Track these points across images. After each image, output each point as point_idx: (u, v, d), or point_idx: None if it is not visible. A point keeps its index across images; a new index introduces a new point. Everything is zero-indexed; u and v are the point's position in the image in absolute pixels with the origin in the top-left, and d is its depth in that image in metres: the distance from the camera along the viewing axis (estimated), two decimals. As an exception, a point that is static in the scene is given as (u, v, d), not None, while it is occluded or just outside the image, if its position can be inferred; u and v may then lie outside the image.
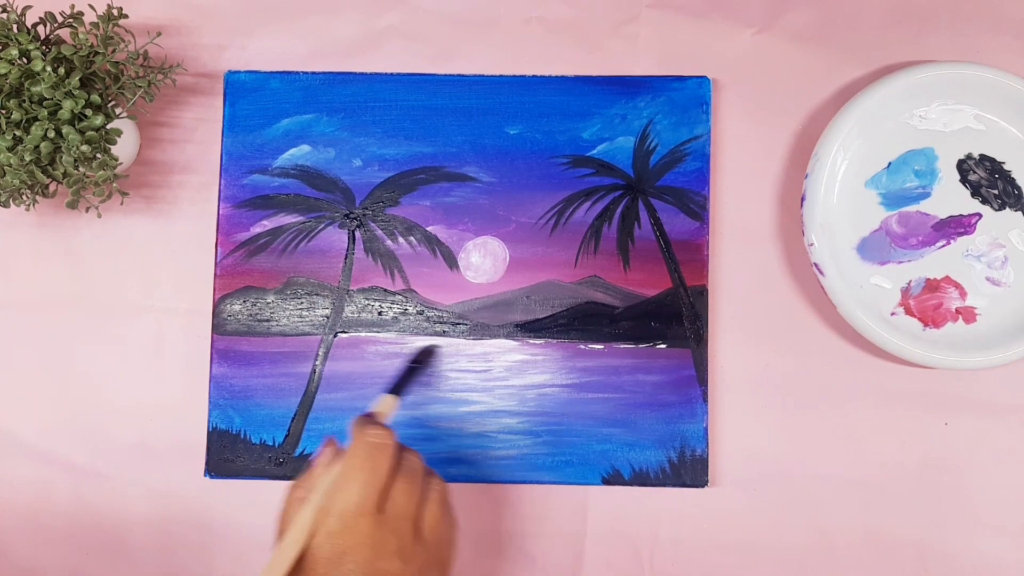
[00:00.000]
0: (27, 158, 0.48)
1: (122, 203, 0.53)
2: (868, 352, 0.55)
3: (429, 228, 0.55)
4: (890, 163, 0.54)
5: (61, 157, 0.49)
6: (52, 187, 0.53)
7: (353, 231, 0.55)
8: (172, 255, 0.55)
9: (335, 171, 0.55)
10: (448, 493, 0.45)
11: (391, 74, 0.56)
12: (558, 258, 0.55)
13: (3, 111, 0.49)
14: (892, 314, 0.54)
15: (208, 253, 0.55)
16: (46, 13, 0.51)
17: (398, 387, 0.50)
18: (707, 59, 0.56)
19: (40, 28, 0.51)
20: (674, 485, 0.54)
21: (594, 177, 0.55)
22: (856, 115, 0.53)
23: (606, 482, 0.53)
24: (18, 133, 0.49)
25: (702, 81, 0.55)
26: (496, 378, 0.54)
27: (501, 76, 0.56)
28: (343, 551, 0.40)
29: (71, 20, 0.51)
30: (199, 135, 0.56)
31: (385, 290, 0.55)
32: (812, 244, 0.52)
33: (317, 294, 0.55)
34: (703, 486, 0.53)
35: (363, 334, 0.55)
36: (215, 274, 0.55)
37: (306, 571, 0.40)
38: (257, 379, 0.54)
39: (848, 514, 0.54)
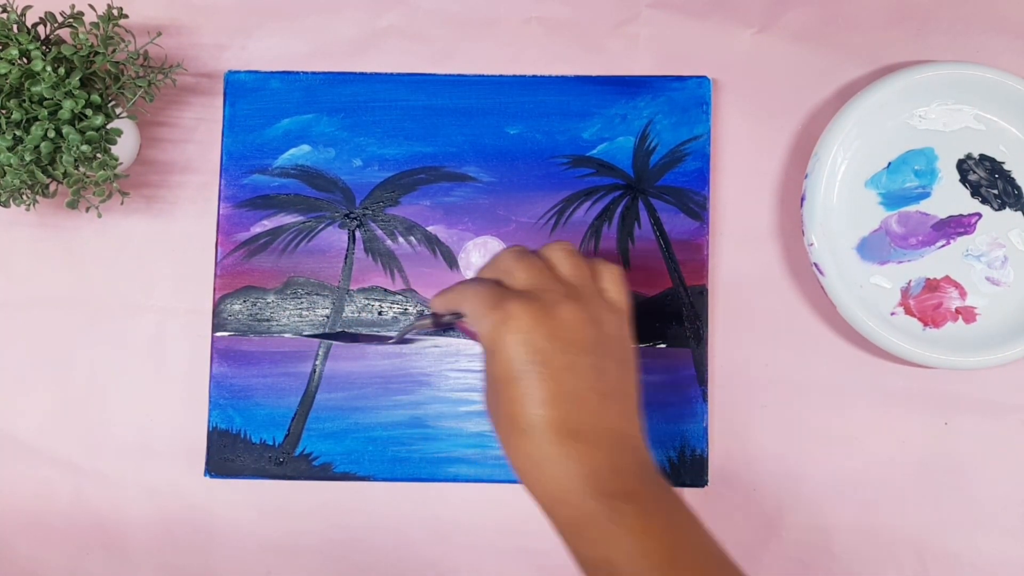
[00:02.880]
0: (27, 158, 0.48)
1: (122, 203, 0.53)
2: (868, 352, 0.55)
3: (429, 228, 0.55)
4: (890, 163, 0.55)
5: (61, 157, 0.49)
6: (52, 187, 0.53)
7: (353, 231, 0.55)
8: (172, 255, 0.56)
9: (335, 171, 0.55)
10: (624, 273, 0.45)
11: (391, 74, 0.56)
12: (558, 258, 0.55)
13: (3, 111, 0.49)
14: (892, 314, 0.54)
15: (208, 253, 0.55)
16: (46, 13, 0.51)
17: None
18: (707, 59, 0.56)
19: (40, 28, 0.51)
20: (674, 485, 0.53)
21: (594, 177, 0.55)
22: (856, 115, 0.53)
23: (606, 482, 0.53)
24: (18, 133, 0.49)
25: (702, 81, 0.55)
26: (496, 378, 0.54)
27: (501, 76, 0.56)
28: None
29: (71, 20, 0.51)
30: (199, 135, 0.56)
31: (385, 290, 0.55)
32: (812, 244, 0.52)
33: (317, 294, 0.55)
34: (703, 486, 0.53)
35: (363, 333, 0.55)
36: (215, 274, 0.55)
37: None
38: (257, 379, 0.54)
39: (848, 514, 0.54)
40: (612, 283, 0.44)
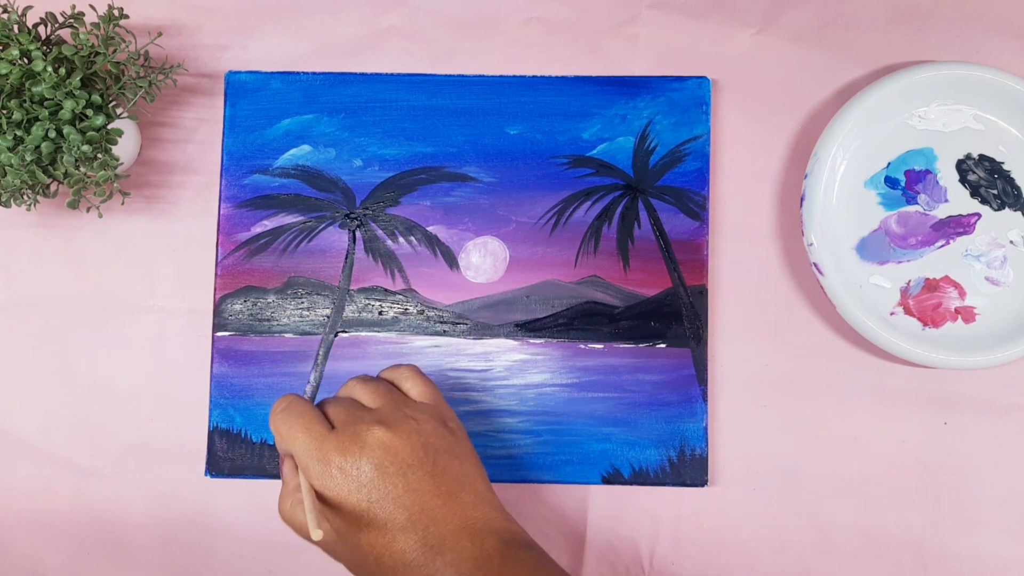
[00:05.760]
0: (28, 158, 0.49)
1: (123, 203, 0.54)
2: (868, 352, 0.55)
3: (429, 228, 0.55)
4: (889, 163, 0.55)
5: (62, 157, 0.50)
6: (53, 187, 0.53)
7: (354, 231, 0.55)
8: (173, 255, 0.56)
9: (336, 171, 0.55)
10: (418, 369, 0.47)
11: (391, 74, 0.56)
12: (558, 258, 0.55)
13: (4, 111, 0.49)
14: (891, 314, 0.54)
15: (209, 253, 0.55)
16: (47, 13, 0.51)
17: None
18: (707, 59, 0.56)
19: (41, 28, 0.51)
20: (674, 484, 0.54)
21: (594, 177, 0.55)
22: (855, 115, 0.53)
23: (606, 481, 0.54)
24: (19, 133, 0.49)
25: (702, 81, 0.55)
26: (496, 377, 0.54)
27: (501, 76, 0.56)
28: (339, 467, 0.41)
29: (72, 20, 0.51)
30: (200, 135, 0.56)
31: (385, 290, 0.55)
32: (811, 244, 0.52)
33: (318, 294, 0.55)
34: (703, 485, 0.54)
35: (364, 334, 0.55)
36: (216, 274, 0.55)
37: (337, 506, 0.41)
38: (258, 378, 0.54)
39: (848, 513, 0.54)
40: (412, 382, 0.46)
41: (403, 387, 0.46)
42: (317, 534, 0.38)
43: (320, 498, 0.41)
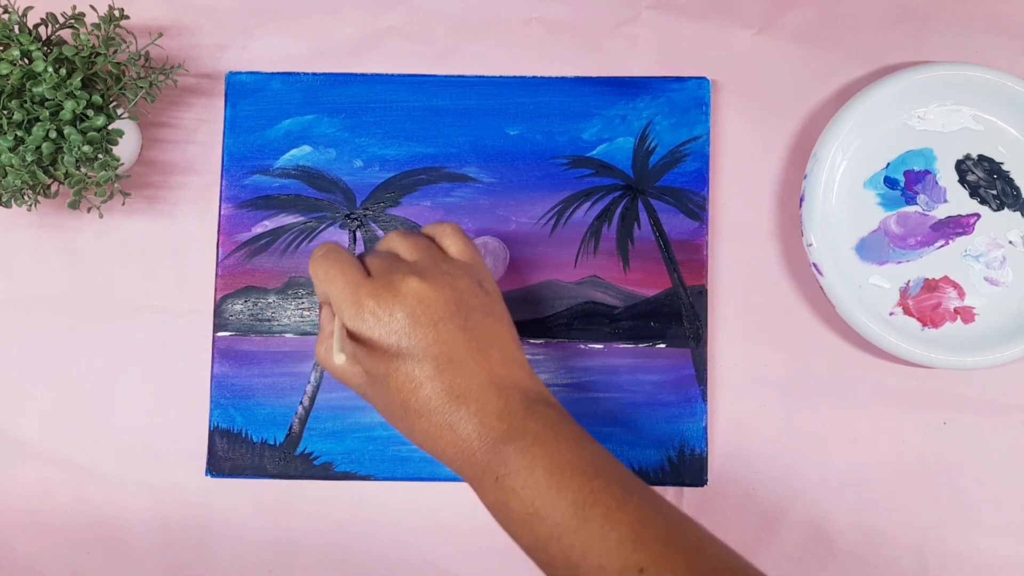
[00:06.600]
0: (29, 158, 0.49)
1: (123, 203, 0.54)
2: (867, 352, 0.55)
3: (429, 228, 0.55)
4: (889, 163, 0.55)
5: (63, 158, 0.50)
6: (54, 187, 0.53)
7: (354, 231, 0.55)
8: (173, 255, 0.56)
9: (336, 172, 0.55)
10: (459, 228, 0.47)
11: (391, 75, 0.56)
12: (558, 258, 0.55)
13: (5, 112, 0.49)
14: (891, 314, 0.54)
15: (209, 253, 0.55)
16: (47, 14, 0.51)
17: None
18: (707, 60, 0.56)
19: (41, 29, 0.51)
20: (674, 484, 0.54)
21: (594, 178, 0.55)
22: (855, 115, 0.53)
23: (606, 481, 0.54)
24: (20, 134, 0.49)
25: (701, 82, 0.56)
26: (496, 378, 0.54)
27: (501, 77, 0.56)
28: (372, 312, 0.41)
29: (72, 21, 0.51)
30: (200, 136, 0.56)
31: (385, 290, 0.55)
32: (811, 244, 0.53)
33: (318, 294, 0.55)
34: (702, 485, 0.54)
35: (364, 334, 0.55)
36: (216, 274, 0.55)
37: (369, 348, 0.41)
38: (258, 379, 0.54)
39: (848, 514, 0.54)
40: (451, 239, 0.46)
41: (443, 244, 0.46)
42: (340, 358, 0.39)
43: (353, 339, 0.42)
